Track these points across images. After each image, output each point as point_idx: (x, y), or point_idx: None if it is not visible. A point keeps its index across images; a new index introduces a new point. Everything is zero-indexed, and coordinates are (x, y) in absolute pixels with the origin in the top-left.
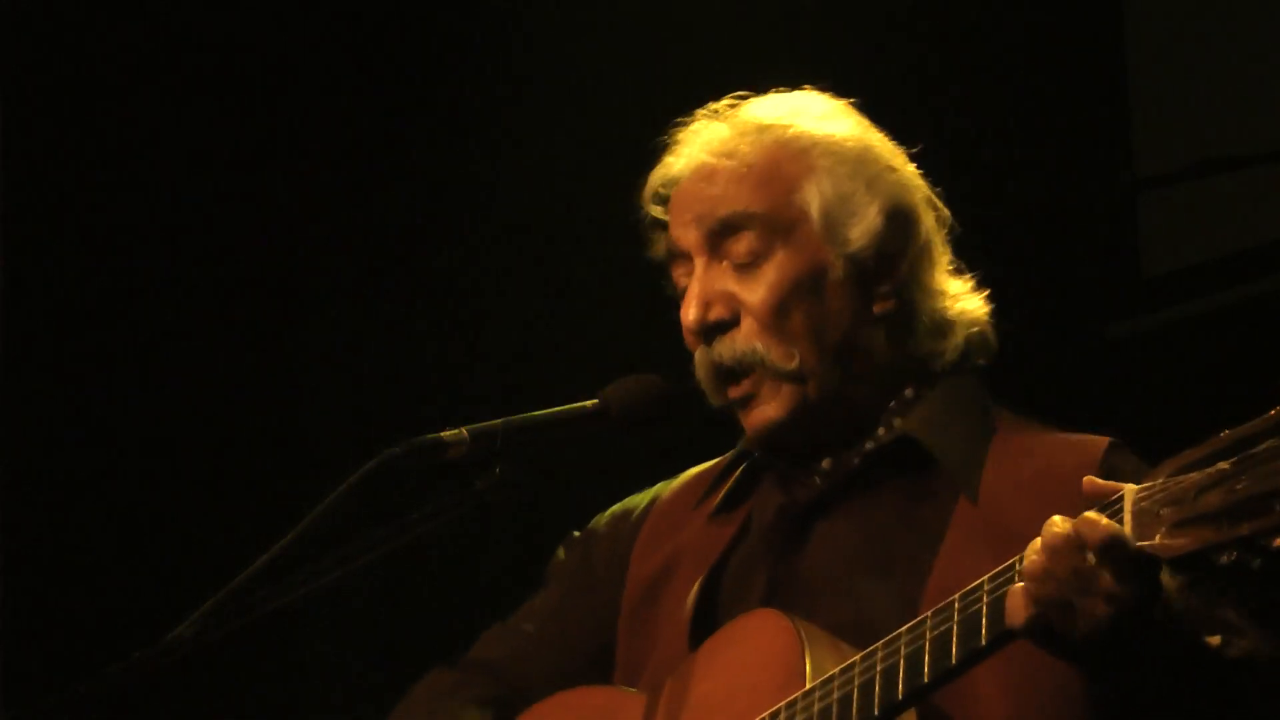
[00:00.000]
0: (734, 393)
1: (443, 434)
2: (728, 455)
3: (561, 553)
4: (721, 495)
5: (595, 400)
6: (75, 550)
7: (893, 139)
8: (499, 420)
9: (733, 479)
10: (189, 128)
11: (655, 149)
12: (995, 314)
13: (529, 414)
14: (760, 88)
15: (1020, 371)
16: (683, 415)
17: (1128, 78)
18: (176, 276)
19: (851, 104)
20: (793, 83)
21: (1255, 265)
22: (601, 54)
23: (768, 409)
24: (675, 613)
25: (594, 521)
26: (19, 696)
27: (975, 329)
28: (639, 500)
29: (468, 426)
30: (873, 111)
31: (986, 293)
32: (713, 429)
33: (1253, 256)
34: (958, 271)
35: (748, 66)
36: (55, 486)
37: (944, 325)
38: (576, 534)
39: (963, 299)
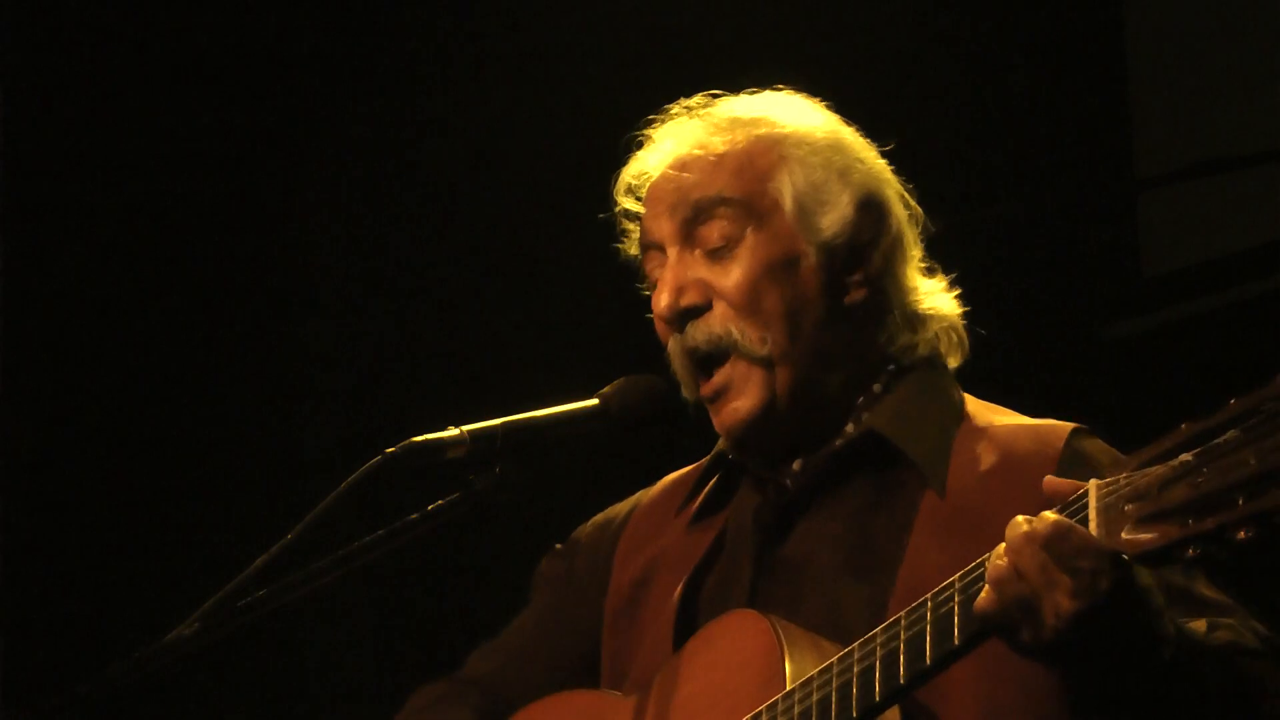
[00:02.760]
0: (706, 389)
1: (442, 434)
2: (705, 460)
3: (544, 565)
4: (699, 501)
5: (595, 400)
6: (75, 550)
7: (892, 139)
8: (499, 420)
9: (710, 485)
10: (189, 127)
11: (633, 146)
12: (995, 315)
13: (529, 414)
14: (744, 86)
15: (1020, 371)
16: (682, 415)
17: (1128, 78)
18: (177, 276)
19: (849, 105)
20: (786, 82)
21: (1255, 265)
22: (599, 55)
23: (740, 403)
24: (657, 619)
25: (576, 532)
26: (19, 696)
27: (946, 324)
28: (619, 509)
29: (468, 426)
30: (872, 111)
31: (958, 292)
32: (712, 429)
33: (1253, 256)
34: (929, 271)
35: (744, 66)
36: (55, 486)
37: (915, 319)
38: (559, 546)
39: (934, 296)
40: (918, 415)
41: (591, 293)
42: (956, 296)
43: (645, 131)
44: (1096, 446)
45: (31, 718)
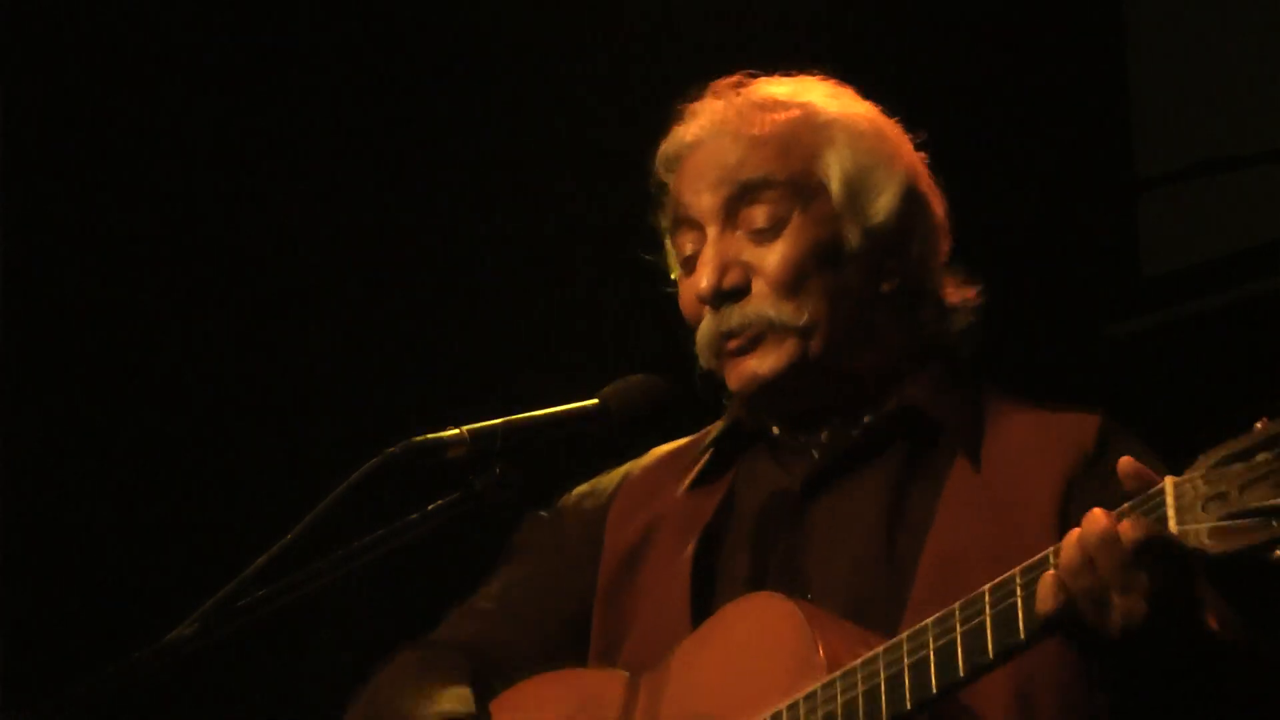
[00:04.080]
0: (732, 345)
1: (443, 434)
2: (710, 428)
3: (527, 530)
4: (699, 467)
5: (595, 400)
6: (75, 550)
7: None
8: (499, 420)
9: (711, 452)
10: (189, 126)
11: (661, 126)
12: (995, 314)
13: (529, 414)
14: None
15: (1020, 371)
16: (683, 415)
17: (1128, 78)
18: (176, 276)
19: None
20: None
21: (1255, 265)
22: (601, 56)
23: (758, 361)
24: (658, 585)
25: (561, 500)
26: (19, 696)
27: (970, 318)
28: (609, 478)
29: (468, 426)
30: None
31: (979, 286)
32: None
33: (1253, 256)
34: (955, 266)
35: (743, 63)
36: (55, 486)
37: (946, 309)
38: (543, 513)
39: (959, 288)
40: (949, 394)
41: (593, 293)
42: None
43: (683, 106)
44: (1123, 436)
45: (31, 718)
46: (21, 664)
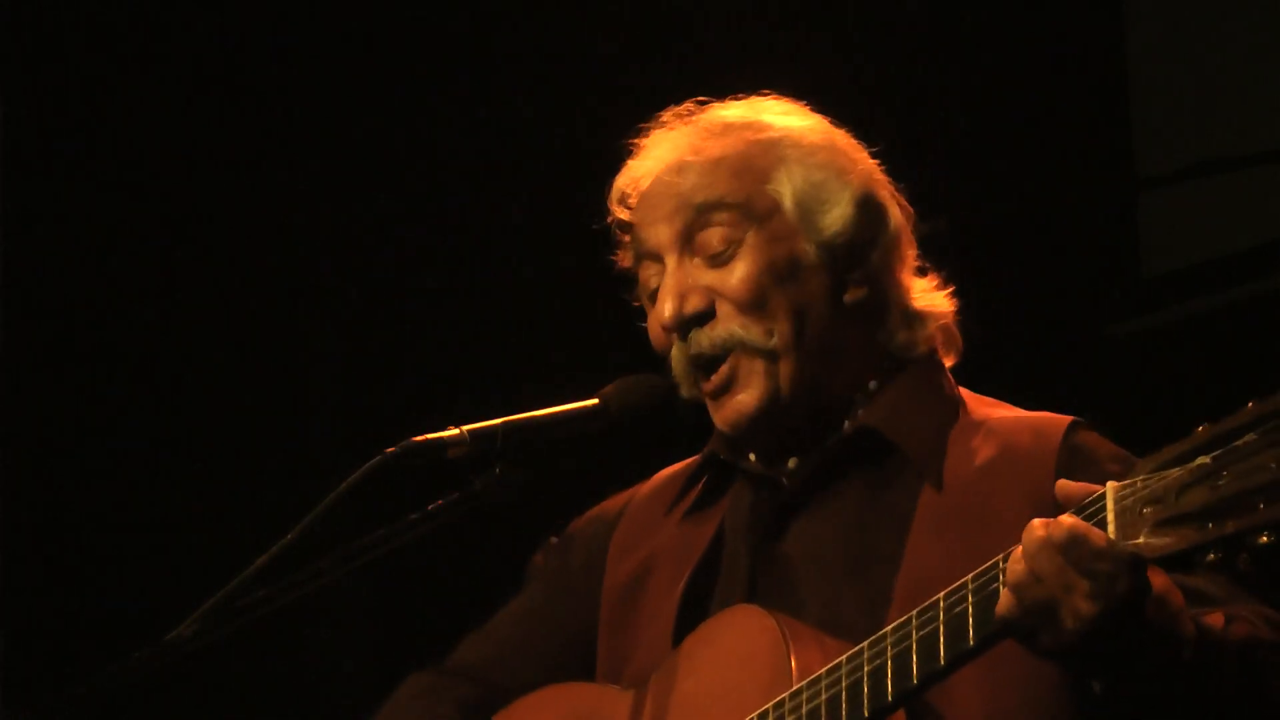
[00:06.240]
0: (708, 385)
1: (443, 434)
2: (697, 457)
3: (540, 557)
4: (692, 498)
5: (595, 400)
6: (75, 550)
7: (893, 139)
8: (499, 420)
9: (702, 482)
10: (189, 126)
11: (623, 154)
12: (995, 314)
13: (529, 414)
14: (741, 88)
15: (1021, 371)
16: (682, 415)
17: (1128, 78)
18: (177, 276)
19: (849, 104)
20: (790, 82)
21: (1255, 265)
22: (601, 57)
23: (744, 396)
24: (656, 615)
25: (571, 525)
26: (19, 696)
27: (942, 322)
28: (614, 503)
29: (468, 426)
30: (873, 112)
31: (951, 289)
32: (711, 429)
33: (1253, 256)
34: (921, 270)
35: (744, 66)
36: (55, 486)
37: (913, 316)
38: (554, 539)
39: (928, 294)
40: (912, 410)
41: (592, 293)
42: (955, 296)
43: (635, 140)
44: (1094, 439)
45: (31, 718)
46: (21, 664)
